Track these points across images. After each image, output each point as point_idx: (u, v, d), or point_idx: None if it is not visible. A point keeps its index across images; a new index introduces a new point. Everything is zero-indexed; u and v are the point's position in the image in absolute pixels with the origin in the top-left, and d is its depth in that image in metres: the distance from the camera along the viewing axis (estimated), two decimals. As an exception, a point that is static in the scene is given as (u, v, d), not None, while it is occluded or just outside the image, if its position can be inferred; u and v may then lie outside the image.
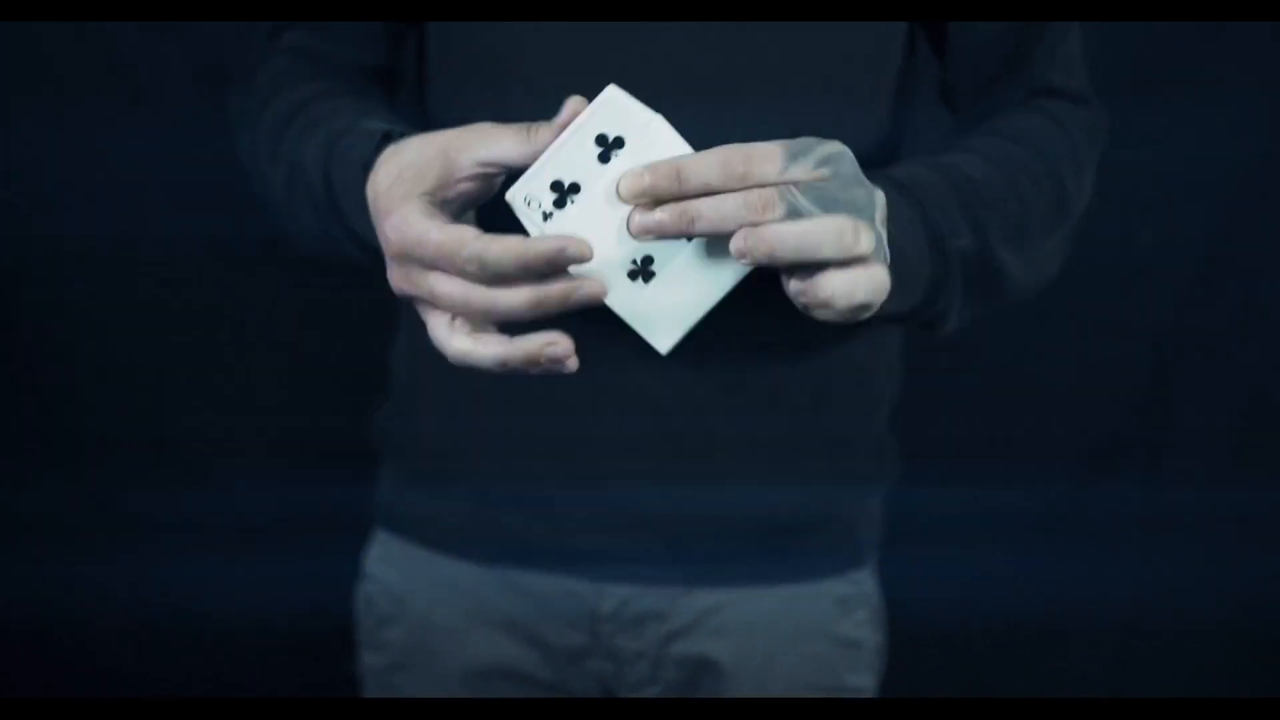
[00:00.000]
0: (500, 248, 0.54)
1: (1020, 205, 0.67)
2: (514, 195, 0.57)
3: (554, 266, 0.55)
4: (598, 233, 0.56)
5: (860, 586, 0.87)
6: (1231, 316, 1.13)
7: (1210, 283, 1.12)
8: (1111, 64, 0.88)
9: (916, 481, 0.88)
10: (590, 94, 0.57)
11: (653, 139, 0.56)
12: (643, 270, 0.57)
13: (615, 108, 0.56)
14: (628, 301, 0.57)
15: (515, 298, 0.56)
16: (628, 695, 0.86)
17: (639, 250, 0.57)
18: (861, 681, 0.89)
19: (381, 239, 0.59)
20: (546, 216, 0.56)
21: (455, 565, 0.85)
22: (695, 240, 0.56)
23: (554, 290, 0.56)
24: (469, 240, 0.55)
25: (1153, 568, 1.15)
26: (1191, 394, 1.15)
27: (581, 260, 0.55)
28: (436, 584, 0.86)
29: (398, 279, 0.59)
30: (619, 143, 0.56)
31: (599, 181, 0.56)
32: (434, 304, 0.58)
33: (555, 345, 0.57)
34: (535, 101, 0.61)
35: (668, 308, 0.57)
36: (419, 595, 0.86)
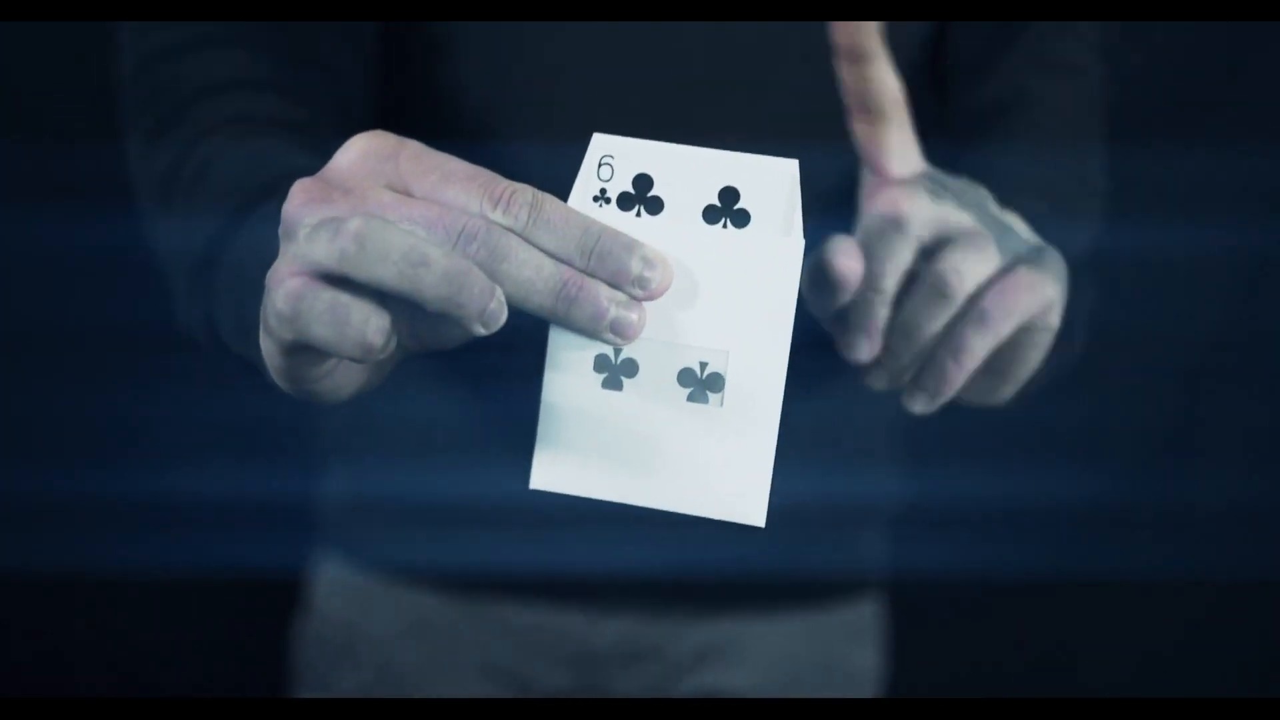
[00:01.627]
0: (563, 210, 0.40)
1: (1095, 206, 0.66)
2: (599, 144, 0.42)
3: (609, 274, 0.40)
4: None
5: (867, 615, 0.84)
6: (1264, 322, 1.11)
7: (1246, 287, 1.11)
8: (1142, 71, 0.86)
9: (925, 507, 0.87)
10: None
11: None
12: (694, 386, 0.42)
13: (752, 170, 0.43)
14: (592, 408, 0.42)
15: (535, 267, 0.39)
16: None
17: (682, 360, 0.42)
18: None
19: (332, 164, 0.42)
20: (626, 204, 0.42)
21: (421, 598, 0.77)
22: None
23: (588, 290, 0.40)
24: (515, 185, 0.40)
25: (1168, 572, 1.13)
26: (1216, 397, 1.13)
27: (649, 289, 0.40)
28: (397, 620, 0.77)
29: (322, 194, 0.41)
30: (740, 215, 0.42)
31: (697, 238, 0.42)
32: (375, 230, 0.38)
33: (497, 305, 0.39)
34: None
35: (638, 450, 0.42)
36: (378, 633, 0.78)
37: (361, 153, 0.40)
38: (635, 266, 0.40)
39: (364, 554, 0.79)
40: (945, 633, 1.06)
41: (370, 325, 0.38)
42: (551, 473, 0.42)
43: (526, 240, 0.39)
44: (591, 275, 0.40)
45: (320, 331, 0.38)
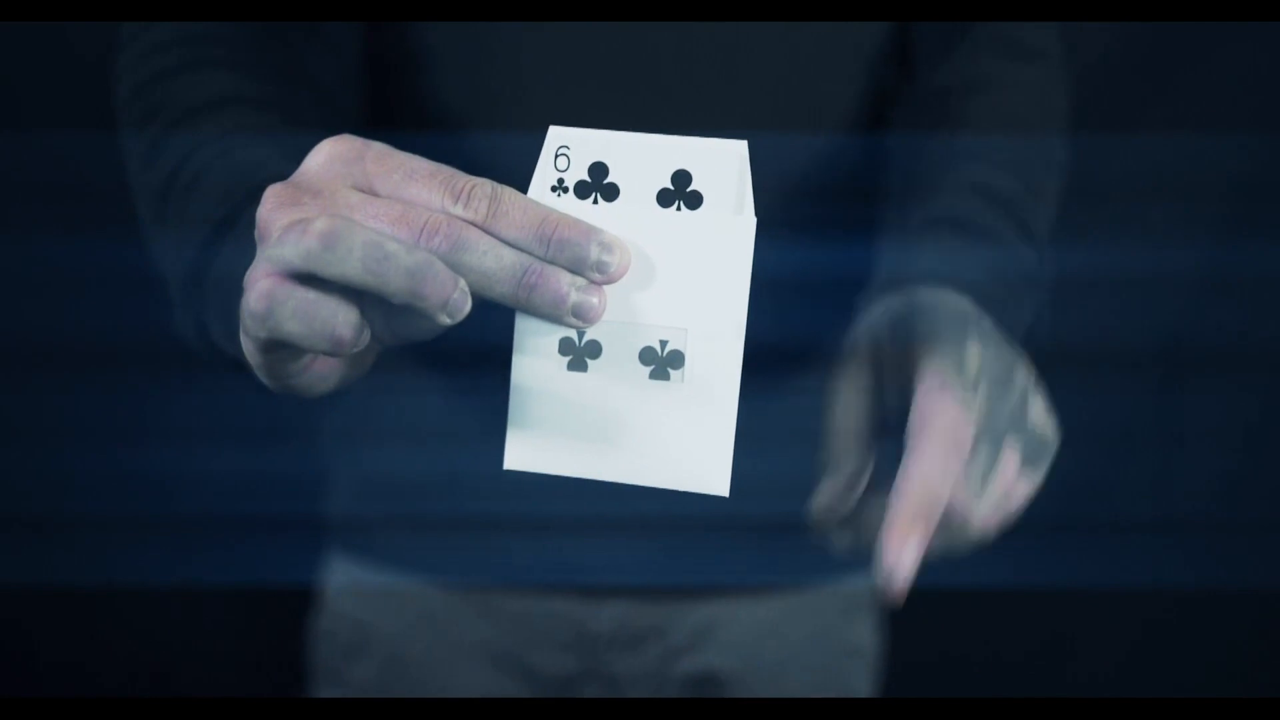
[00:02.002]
0: (522, 201, 0.41)
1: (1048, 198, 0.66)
2: (555, 135, 0.44)
3: (568, 260, 0.41)
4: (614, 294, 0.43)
5: (862, 590, 0.84)
6: (1242, 314, 1.11)
7: (1223, 277, 1.10)
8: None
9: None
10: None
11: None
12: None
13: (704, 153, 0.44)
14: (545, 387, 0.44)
15: (495, 257, 0.41)
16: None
17: (640, 338, 0.43)
18: (863, 688, 0.85)
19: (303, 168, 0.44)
20: (583, 192, 0.43)
21: (426, 590, 0.78)
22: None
23: (548, 276, 0.41)
24: (475, 179, 0.42)
25: (1160, 565, 1.11)
26: (1202, 391, 1.13)
27: (608, 273, 0.42)
28: (406, 613, 0.79)
29: (291, 198, 0.42)
30: (693, 197, 0.43)
31: (653, 221, 0.43)
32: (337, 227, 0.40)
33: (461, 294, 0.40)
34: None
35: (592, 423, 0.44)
36: (387, 626, 0.79)
37: (328, 156, 0.42)
38: (593, 252, 0.41)
39: (370, 554, 0.80)
40: (943, 606, 1.05)
41: (339, 319, 0.40)
42: (524, 453, 0.44)
43: (487, 232, 0.41)
44: (551, 262, 0.41)
45: (291, 327, 0.40)
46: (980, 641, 1.15)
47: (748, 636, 0.79)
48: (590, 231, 0.41)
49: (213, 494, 1.04)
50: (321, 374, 0.44)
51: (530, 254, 0.41)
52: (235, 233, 0.48)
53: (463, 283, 0.40)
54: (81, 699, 1.06)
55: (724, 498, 0.44)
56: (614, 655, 0.78)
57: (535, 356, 0.43)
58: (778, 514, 0.76)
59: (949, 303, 0.54)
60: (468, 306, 0.40)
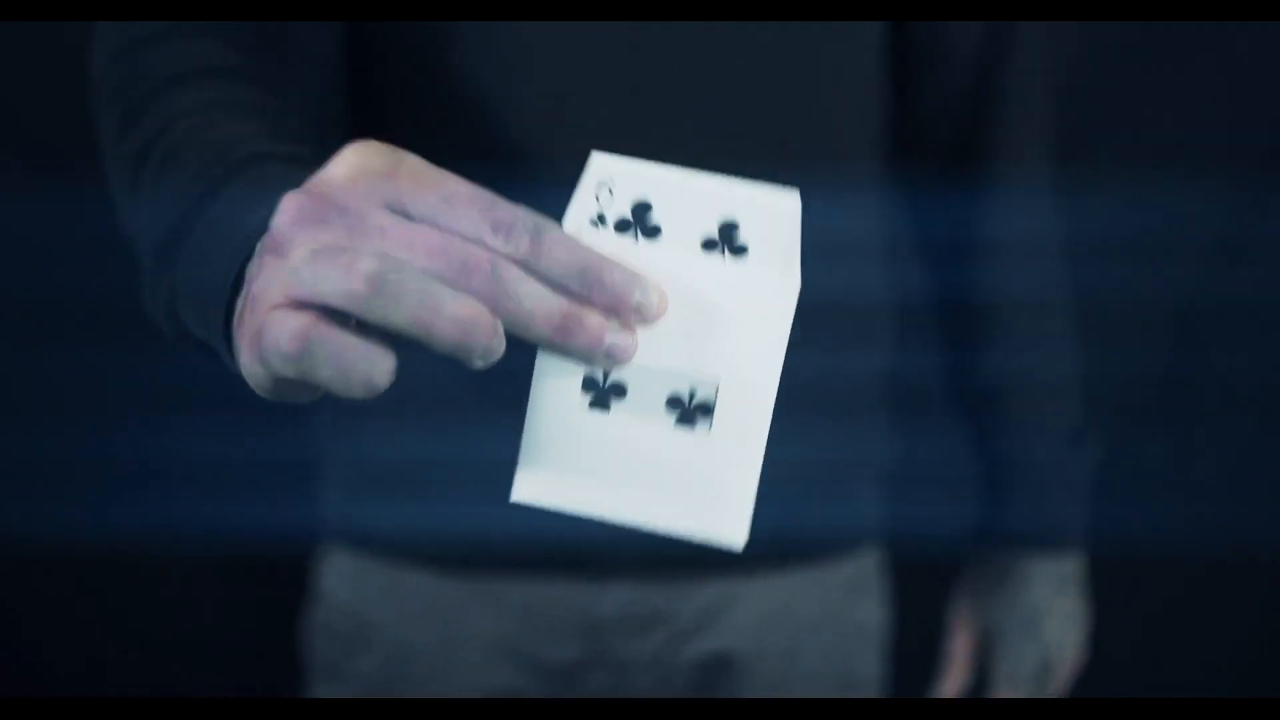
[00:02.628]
0: (564, 240, 0.39)
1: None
2: (599, 166, 0.42)
3: (607, 303, 0.40)
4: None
5: (868, 568, 0.84)
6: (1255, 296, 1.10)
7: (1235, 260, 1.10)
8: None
9: (922, 455, 0.89)
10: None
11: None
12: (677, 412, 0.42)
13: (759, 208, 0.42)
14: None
15: (536, 299, 0.39)
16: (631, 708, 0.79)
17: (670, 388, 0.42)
18: (871, 666, 0.85)
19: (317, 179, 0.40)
20: (623, 228, 0.41)
21: (426, 580, 0.76)
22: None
23: (586, 322, 0.39)
24: (516, 210, 0.39)
25: (1173, 548, 1.12)
26: (1212, 376, 1.13)
27: (646, 318, 0.40)
28: (406, 604, 0.77)
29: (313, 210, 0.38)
30: (738, 248, 0.42)
31: (694, 267, 0.41)
32: (363, 265, 0.37)
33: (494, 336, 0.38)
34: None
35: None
36: (387, 618, 0.77)
37: (358, 167, 0.39)
38: (635, 297, 0.39)
39: (369, 544, 0.78)
40: (949, 584, 1.05)
41: (377, 369, 0.37)
42: (534, 487, 0.42)
43: (526, 268, 0.39)
44: (588, 303, 0.39)
45: (326, 374, 0.37)
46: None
47: (756, 617, 0.78)
48: (635, 278, 0.40)
49: (202, 483, 1.03)
50: (315, 393, 0.41)
51: (567, 292, 0.39)
52: (212, 208, 0.45)
53: (501, 331, 0.38)
54: (71, 697, 1.06)
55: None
56: (620, 640, 0.77)
57: (556, 390, 0.42)
58: (783, 486, 0.76)
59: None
60: (501, 350, 0.38)
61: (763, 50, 0.67)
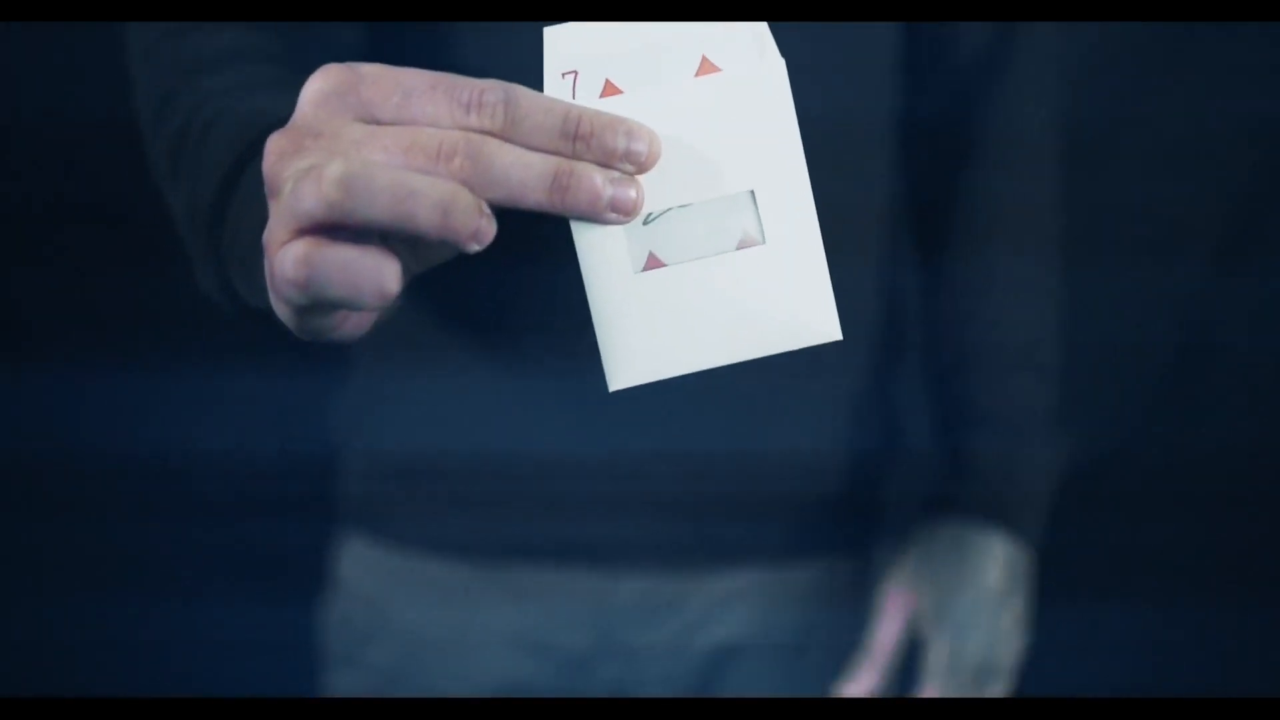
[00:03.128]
0: (538, 100, 0.39)
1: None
2: (555, 44, 0.41)
3: (598, 154, 0.39)
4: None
5: (879, 562, 0.83)
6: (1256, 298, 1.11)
7: (1236, 262, 1.10)
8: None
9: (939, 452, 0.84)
10: None
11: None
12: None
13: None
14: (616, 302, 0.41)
15: (523, 166, 0.38)
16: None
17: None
18: None
19: (301, 98, 0.41)
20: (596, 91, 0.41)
21: (444, 567, 0.77)
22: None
23: (580, 175, 0.38)
24: (482, 82, 0.39)
25: (1172, 554, 1.13)
26: (1213, 386, 1.13)
27: (639, 162, 0.40)
28: (422, 592, 0.77)
29: (293, 141, 0.39)
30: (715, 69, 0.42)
31: (680, 98, 0.41)
32: (351, 168, 0.37)
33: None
34: None
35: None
36: (402, 607, 0.78)
37: (319, 91, 0.39)
38: (620, 142, 0.39)
39: (386, 533, 0.78)
40: None
41: (384, 273, 0.37)
42: (625, 370, 0.41)
43: (506, 139, 0.38)
44: (579, 159, 0.39)
45: (336, 292, 0.37)
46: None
47: (767, 610, 0.78)
48: (615, 122, 0.39)
49: (221, 474, 1.04)
50: (358, 325, 0.42)
51: (556, 154, 0.39)
52: (244, 179, 0.46)
53: (488, 208, 0.37)
54: (87, 689, 1.06)
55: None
56: (632, 630, 0.77)
57: (605, 270, 0.41)
58: (796, 489, 0.76)
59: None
60: (493, 230, 0.38)
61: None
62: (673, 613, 0.77)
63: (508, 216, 0.40)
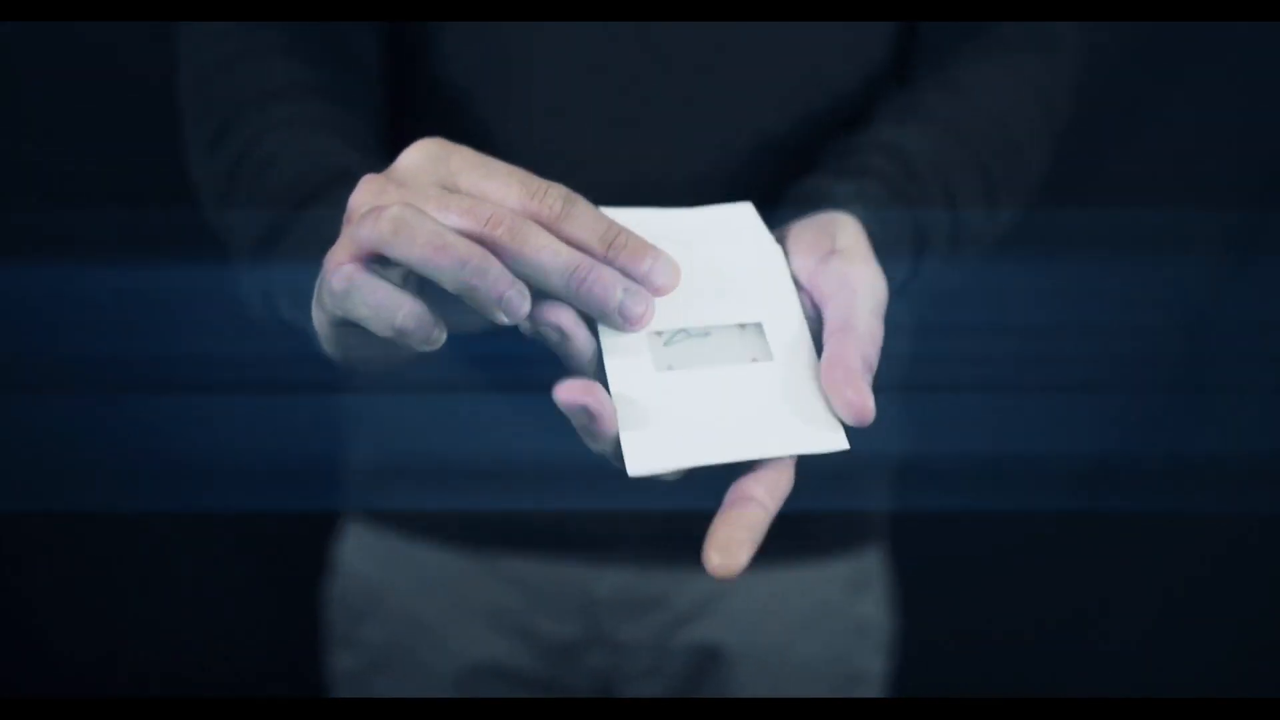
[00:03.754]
0: (592, 209, 0.46)
1: (983, 183, 0.63)
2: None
3: (623, 264, 0.46)
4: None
5: (870, 566, 0.84)
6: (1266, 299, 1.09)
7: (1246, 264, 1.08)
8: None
9: (927, 456, 0.86)
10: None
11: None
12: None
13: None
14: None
15: (552, 251, 0.44)
16: (627, 692, 0.81)
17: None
18: (874, 666, 0.85)
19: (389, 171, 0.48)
20: None
21: (437, 554, 0.79)
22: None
23: (599, 273, 0.44)
24: (553, 184, 0.46)
25: (1174, 554, 1.12)
26: (1222, 380, 1.11)
27: (654, 284, 0.46)
28: (416, 575, 0.80)
29: (378, 192, 0.46)
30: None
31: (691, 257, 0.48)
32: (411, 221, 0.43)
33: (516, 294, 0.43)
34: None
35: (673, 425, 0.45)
36: (398, 589, 0.81)
37: (419, 153, 0.46)
38: (646, 264, 0.45)
39: (383, 518, 0.81)
40: (952, 583, 1.05)
41: (403, 310, 0.43)
42: (644, 458, 0.44)
43: (552, 230, 0.44)
44: (607, 264, 0.45)
45: (362, 311, 0.43)
46: (996, 618, 1.14)
47: (750, 609, 0.79)
48: (649, 248, 0.46)
49: (230, 464, 1.05)
50: (389, 363, 0.49)
51: (589, 254, 0.45)
52: (312, 211, 0.52)
53: (520, 285, 0.43)
54: (96, 672, 1.08)
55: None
56: (617, 621, 0.79)
57: (628, 366, 0.46)
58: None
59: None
60: (525, 307, 0.43)
61: (765, 50, 0.67)
62: (657, 608, 0.78)
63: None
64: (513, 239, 0.43)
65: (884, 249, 0.52)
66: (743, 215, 0.51)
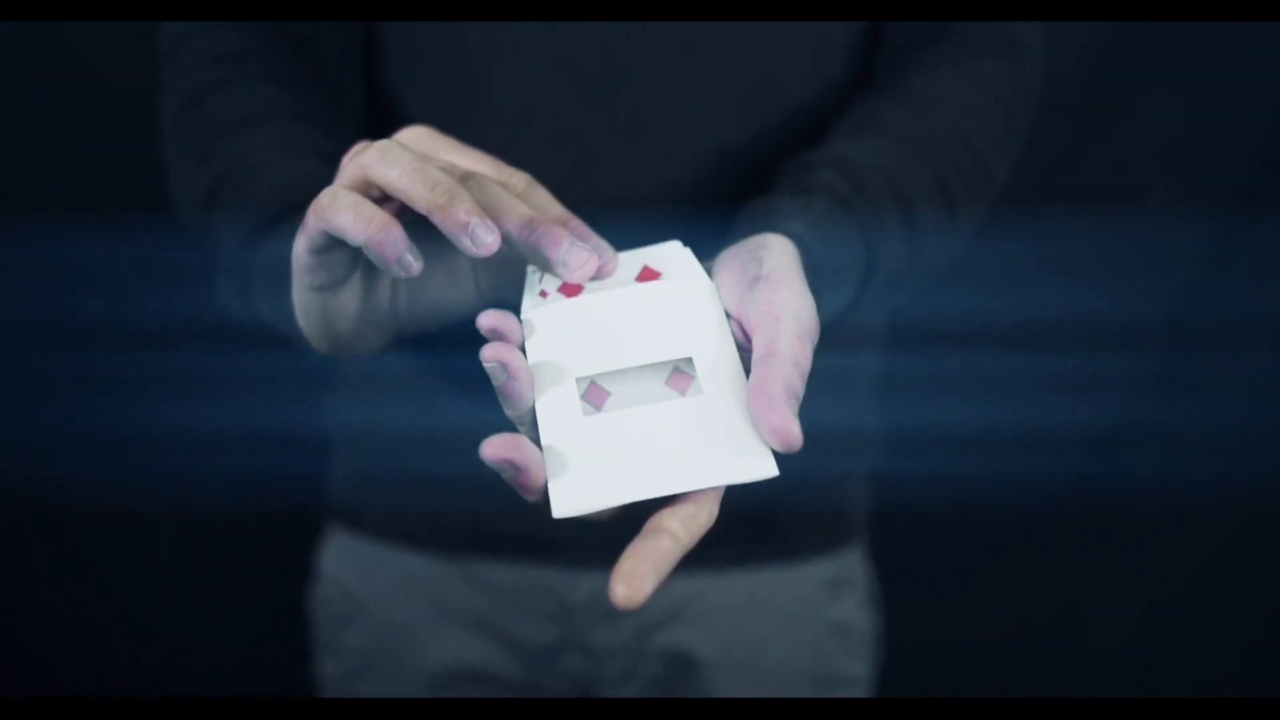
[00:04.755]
0: (553, 199, 0.52)
1: (940, 192, 0.62)
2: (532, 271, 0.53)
3: (574, 230, 0.51)
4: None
5: (849, 567, 0.84)
6: (1244, 300, 1.09)
7: (1224, 263, 1.08)
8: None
9: (907, 456, 0.86)
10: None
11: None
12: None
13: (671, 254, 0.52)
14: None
15: (510, 204, 0.48)
16: (605, 694, 0.81)
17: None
18: (856, 668, 0.85)
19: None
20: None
21: (416, 560, 0.80)
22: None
23: (550, 228, 0.48)
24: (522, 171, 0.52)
25: (1158, 553, 1.12)
26: (1205, 379, 1.12)
27: (601, 262, 0.50)
28: (396, 581, 0.80)
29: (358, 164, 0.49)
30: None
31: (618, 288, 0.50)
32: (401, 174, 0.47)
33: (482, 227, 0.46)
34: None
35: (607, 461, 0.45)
36: (378, 594, 0.81)
37: (408, 134, 0.52)
38: (594, 240, 0.50)
39: (364, 525, 0.81)
40: (934, 583, 1.04)
41: (379, 217, 0.46)
42: (569, 499, 0.44)
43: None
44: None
45: (344, 219, 0.46)
46: (979, 621, 1.14)
47: (724, 613, 0.79)
48: (589, 232, 0.50)
49: (215, 470, 1.06)
50: (365, 335, 0.52)
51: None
52: (282, 229, 0.54)
53: (489, 221, 0.46)
54: (82, 676, 1.08)
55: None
56: (592, 626, 0.79)
57: (556, 407, 0.46)
58: (758, 496, 0.76)
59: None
60: (489, 238, 0.45)
61: (733, 52, 0.67)
62: (631, 613, 0.78)
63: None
64: (481, 192, 0.47)
65: (826, 266, 0.53)
66: (673, 252, 0.51)
